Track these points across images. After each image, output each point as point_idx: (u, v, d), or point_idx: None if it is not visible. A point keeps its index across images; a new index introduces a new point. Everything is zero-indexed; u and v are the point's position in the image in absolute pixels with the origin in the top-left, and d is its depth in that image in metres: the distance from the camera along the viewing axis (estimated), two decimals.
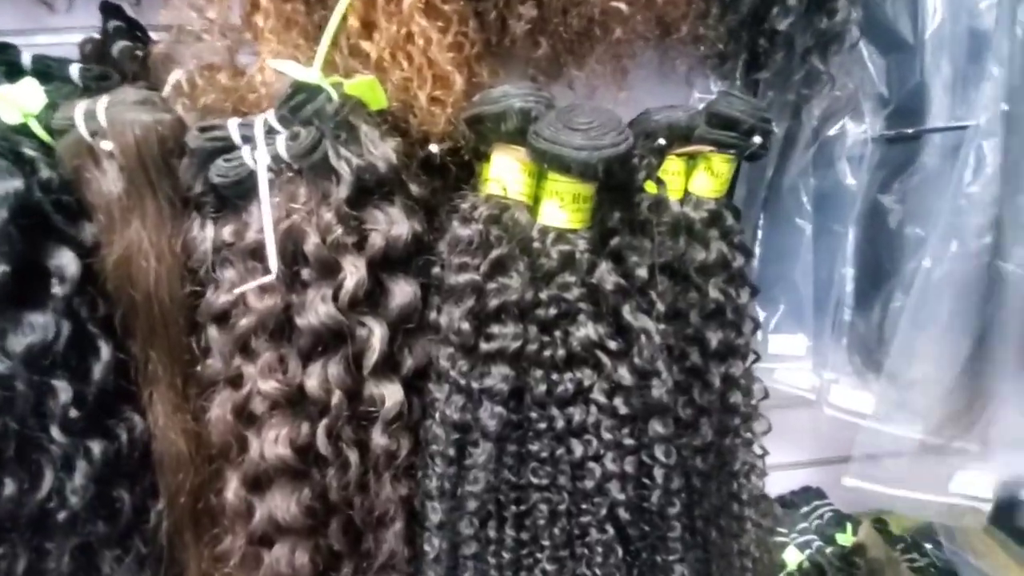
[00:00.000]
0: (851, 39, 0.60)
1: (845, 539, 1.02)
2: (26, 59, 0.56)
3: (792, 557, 0.97)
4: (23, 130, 0.48)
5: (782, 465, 1.04)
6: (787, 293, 0.79)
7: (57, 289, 0.44)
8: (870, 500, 1.13)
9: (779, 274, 0.78)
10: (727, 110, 0.57)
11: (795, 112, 0.67)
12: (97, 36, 0.65)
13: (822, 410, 0.83)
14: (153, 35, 0.66)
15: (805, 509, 1.09)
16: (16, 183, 0.43)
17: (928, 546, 1.10)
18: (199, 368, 0.48)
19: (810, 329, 0.79)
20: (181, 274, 0.46)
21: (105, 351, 0.47)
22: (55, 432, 0.46)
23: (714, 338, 0.59)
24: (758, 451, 0.68)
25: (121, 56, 0.61)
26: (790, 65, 0.59)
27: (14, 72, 0.54)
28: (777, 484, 1.11)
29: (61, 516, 0.48)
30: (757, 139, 0.54)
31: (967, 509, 0.75)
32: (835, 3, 0.56)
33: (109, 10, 0.63)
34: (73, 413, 0.46)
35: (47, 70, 0.55)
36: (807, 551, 0.98)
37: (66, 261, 0.45)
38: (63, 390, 0.45)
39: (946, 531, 1.14)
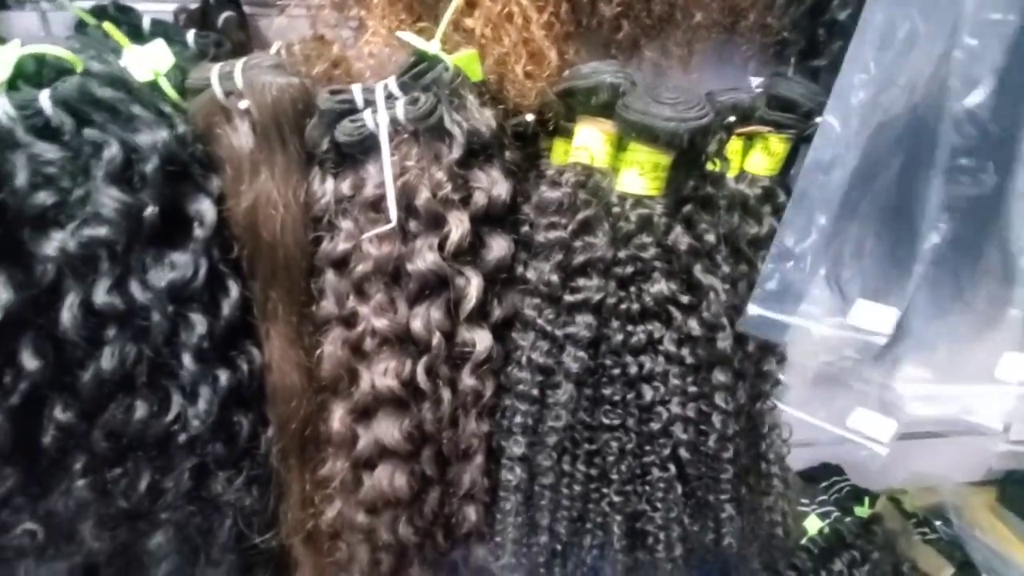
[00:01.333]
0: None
1: (862, 511, 1.08)
2: (146, 23, 0.61)
3: (813, 525, 1.03)
4: (153, 87, 0.53)
5: (802, 442, 1.10)
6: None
7: (198, 232, 0.50)
8: (884, 478, 1.19)
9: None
10: (787, 93, 0.62)
11: None
12: (193, 6, 0.70)
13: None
14: (246, 8, 0.71)
15: (824, 484, 1.15)
16: (163, 133, 0.48)
17: (938, 523, 1.16)
18: (314, 308, 0.53)
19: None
20: (304, 223, 0.51)
21: (234, 289, 0.52)
22: (187, 361, 0.51)
23: None
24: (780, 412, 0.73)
25: (226, 25, 0.66)
26: (844, 53, 0.64)
27: (135, 35, 0.59)
28: (798, 460, 1.17)
29: (183, 438, 0.54)
30: (818, 119, 0.59)
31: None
32: None
33: None
34: (205, 344, 0.51)
35: (165, 34, 0.60)
36: (827, 520, 1.04)
37: (205, 207, 0.50)
38: (199, 323, 0.51)
39: (955, 509, 1.20)
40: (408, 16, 0.57)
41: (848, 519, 1.04)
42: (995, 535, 1.15)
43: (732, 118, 0.60)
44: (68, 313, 0.47)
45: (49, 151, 0.45)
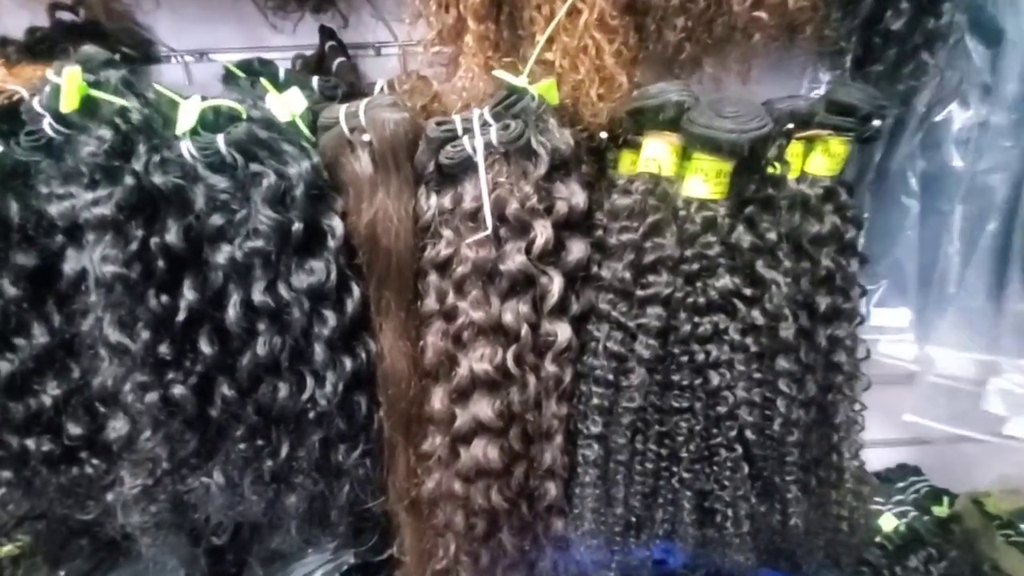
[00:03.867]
0: (956, 35, 0.67)
1: (941, 511, 1.06)
2: (281, 73, 0.74)
3: (888, 523, 1.02)
4: (293, 126, 0.65)
5: (877, 442, 1.08)
6: (891, 268, 0.85)
7: (330, 243, 0.61)
8: (965, 481, 1.15)
9: (883, 251, 0.85)
10: (846, 98, 0.66)
11: (904, 100, 0.74)
12: (308, 53, 0.83)
13: (924, 380, 0.89)
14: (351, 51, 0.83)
15: (901, 484, 1.13)
16: (306, 164, 0.60)
17: (1023, 526, 1.11)
18: (419, 305, 0.63)
19: (913, 303, 0.85)
20: (413, 233, 0.61)
21: (356, 290, 0.63)
22: (319, 350, 0.62)
23: (823, 303, 0.68)
24: (857, 408, 0.76)
25: (340, 69, 0.78)
26: (900, 59, 0.67)
27: (274, 84, 0.72)
28: (875, 461, 1.16)
29: (313, 414, 0.65)
30: (877, 122, 0.63)
31: None
32: (942, 6, 0.64)
33: (326, 32, 0.81)
34: (334, 336, 0.62)
35: (297, 82, 0.73)
36: (903, 519, 1.03)
37: (336, 223, 0.61)
38: (329, 318, 0.61)
39: None
40: (495, 53, 0.66)
41: (926, 518, 1.03)
42: None
43: (791, 124, 0.64)
44: (232, 310, 0.59)
45: (221, 182, 0.58)
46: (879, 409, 0.77)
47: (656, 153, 0.61)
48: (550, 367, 0.62)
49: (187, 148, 0.58)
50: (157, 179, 0.56)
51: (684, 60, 0.65)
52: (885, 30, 0.66)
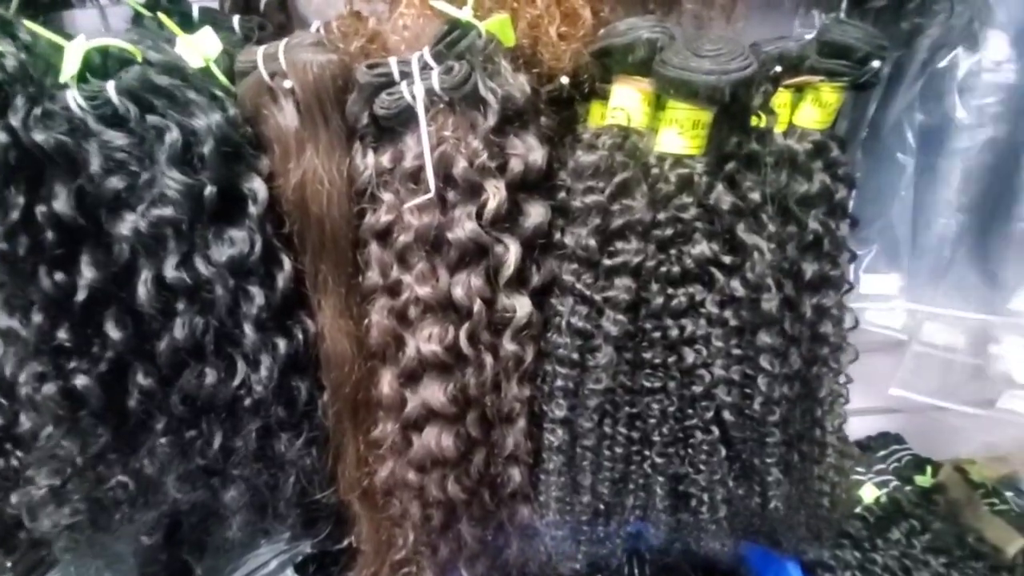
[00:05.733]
0: None
1: (924, 481, 1.04)
2: (195, 12, 0.64)
3: (869, 493, 1.00)
4: (205, 73, 0.56)
5: (859, 410, 1.06)
6: (882, 232, 0.79)
7: (252, 209, 0.53)
8: (948, 449, 1.14)
9: (875, 213, 0.79)
10: (841, 37, 0.58)
11: (906, 42, 0.67)
12: None
13: (911, 348, 0.84)
14: None
15: (883, 452, 1.11)
16: (217, 116, 0.51)
17: (1010, 494, 1.09)
18: (360, 279, 0.56)
19: (904, 269, 0.80)
20: (348, 196, 0.54)
21: (287, 263, 0.55)
22: (248, 330, 0.55)
23: (809, 269, 0.62)
24: (843, 380, 0.71)
25: (268, 8, 0.68)
26: None
27: (185, 23, 0.62)
28: (856, 429, 1.14)
29: (248, 401, 0.58)
30: (875, 63, 0.55)
31: None
32: None
33: None
34: (264, 314, 0.55)
35: (212, 21, 0.63)
36: (884, 489, 1.01)
37: (257, 185, 0.53)
38: (257, 295, 0.54)
39: None
40: None
41: (908, 488, 1.01)
42: None
43: (778, 68, 0.57)
44: (143, 288, 0.52)
45: (118, 138, 0.49)
46: (861, 378, 0.73)
47: (625, 102, 0.53)
48: (509, 346, 0.56)
49: (73, 98, 0.49)
50: (39, 136, 0.47)
51: None
52: None
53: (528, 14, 0.54)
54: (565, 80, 0.56)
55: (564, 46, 0.54)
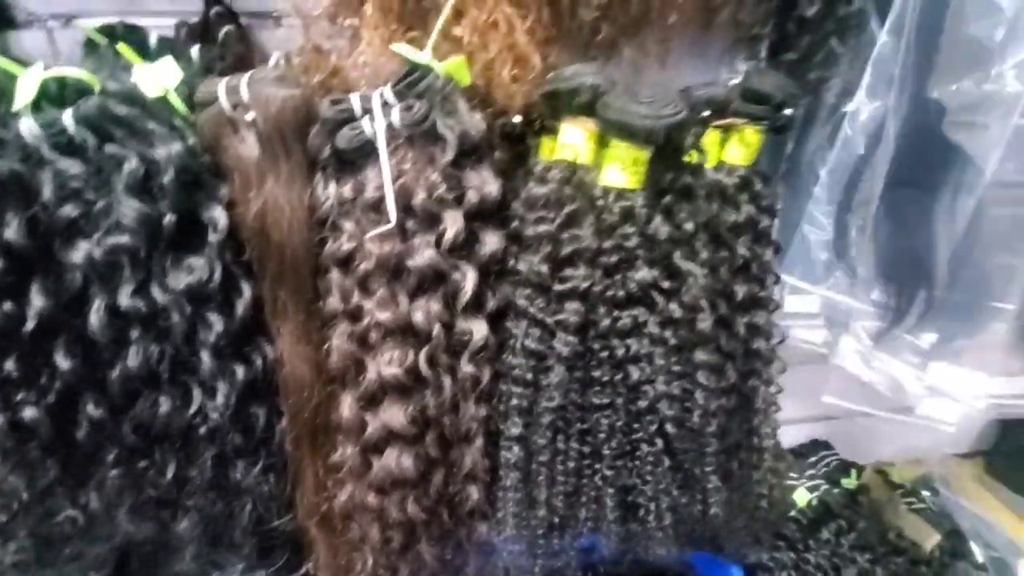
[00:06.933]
0: (865, 24, 0.68)
1: (849, 483, 1.13)
2: (152, 41, 0.65)
3: (802, 497, 1.07)
4: (164, 103, 0.57)
5: (792, 420, 1.14)
6: (803, 256, 0.88)
7: (211, 237, 0.53)
8: (871, 452, 1.24)
9: (796, 239, 0.87)
10: (760, 86, 0.66)
11: (815, 90, 0.75)
12: (194, 20, 0.73)
13: (832, 362, 0.93)
14: (244, 19, 0.74)
15: (813, 458, 1.20)
16: (176, 146, 0.52)
17: (926, 493, 1.20)
18: (321, 305, 0.57)
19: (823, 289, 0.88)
20: (309, 225, 0.55)
21: (246, 290, 0.56)
22: (206, 358, 0.55)
23: (740, 291, 0.68)
24: (774, 390, 0.77)
25: (227, 39, 0.69)
26: (812, 47, 0.68)
27: (142, 52, 0.63)
28: (788, 437, 1.22)
29: (204, 430, 0.58)
30: (788, 111, 0.63)
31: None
32: None
33: None
34: (222, 342, 0.55)
35: (171, 50, 0.64)
36: (815, 493, 1.09)
37: (217, 214, 0.54)
38: (215, 322, 0.55)
39: (942, 479, 1.25)
40: (399, 26, 0.60)
41: (836, 491, 1.09)
42: (982, 504, 1.19)
43: (707, 112, 0.63)
44: (95, 316, 0.51)
45: (73, 166, 0.49)
46: (793, 390, 0.80)
47: (572, 139, 0.58)
48: (466, 368, 0.59)
49: (28, 127, 0.49)
50: None
51: (601, 42, 0.62)
52: (799, 17, 0.66)
53: (483, 57, 0.58)
54: (518, 118, 0.60)
55: (516, 87, 0.59)
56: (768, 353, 0.74)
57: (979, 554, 1.08)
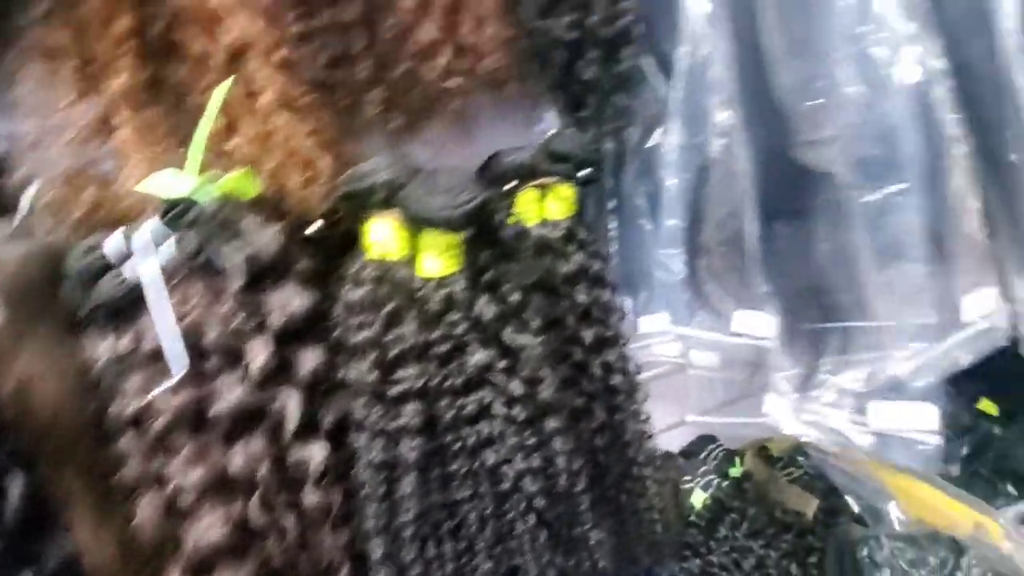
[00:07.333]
0: (641, 76, 0.74)
1: (735, 471, 1.19)
2: None
3: (698, 499, 1.12)
4: None
5: (675, 424, 1.20)
6: (645, 281, 0.93)
7: None
8: (753, 432, 1.33)
9: (636, 267, 0.93)
10: (560, 147, 0.69)
11: (616, 135, 0.81)
12: None
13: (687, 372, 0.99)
14: None
15: (703, 455, 1.26)
16: None
17: (800, 459, 1.31)
18: (118, 476, 0.49)
19: (669, 307, 0.95)
20: (84, 390, 0.47)
21: (19, 479, 0.47)
22: None
23: (588, 335, 0.70)
24: (643, 417, 0.80)
25: None
26: (600, 104, 0.73)
27: None
28: (678, 439, 1.28)
29: None
30: (585, 171, 0.66)
31: None
32: (623, 52, 0.70)
33: None
34: None
35: None
36: (709, 491, 1.14)
37: None
38: None
39: (813, 445, 1.37)
40: (169, 140, 0.55)
41: (725, 484, 1.15)
42: (846, 456, 1.32)
43: (514, 182, 0.65)
44: None
45: None
46: (671, 396, 0.83)
47: (380, 236, 0.56)
48: (312, 497, 0.53)
49: None
50: None
51: (396, 129, 0.62)
52: (580, 80, 0.70)
53: (267, 167, 0.54)
54: (312, 228, 0.57)
55: (310, 191, 0.56)
56: (628, 386, 0.77)
57: (855, 505, 1.19)
